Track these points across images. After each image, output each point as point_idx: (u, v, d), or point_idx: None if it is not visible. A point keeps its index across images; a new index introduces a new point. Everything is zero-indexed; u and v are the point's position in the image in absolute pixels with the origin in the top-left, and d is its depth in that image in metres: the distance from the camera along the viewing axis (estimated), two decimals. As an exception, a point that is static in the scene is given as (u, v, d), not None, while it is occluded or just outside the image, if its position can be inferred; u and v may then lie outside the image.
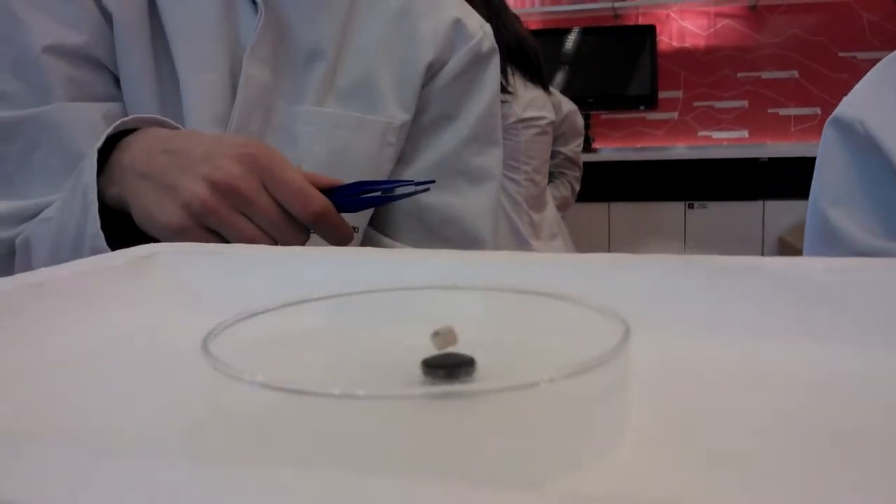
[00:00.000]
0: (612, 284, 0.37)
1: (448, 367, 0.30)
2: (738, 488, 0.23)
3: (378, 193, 0.66)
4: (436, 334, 0.32)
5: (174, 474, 0.17)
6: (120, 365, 0.35)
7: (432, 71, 0.87)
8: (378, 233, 0.90)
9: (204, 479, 0.17)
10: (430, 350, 0.32)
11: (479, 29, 0.90)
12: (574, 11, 4.16)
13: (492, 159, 0.92)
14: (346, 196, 0.63)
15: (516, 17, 2.23)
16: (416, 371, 0.31)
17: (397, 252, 0.46)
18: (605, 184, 3.74)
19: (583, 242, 2.90)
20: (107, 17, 0.76)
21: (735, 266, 0.38)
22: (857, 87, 0.79)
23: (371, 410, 0.24)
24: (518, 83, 2.19)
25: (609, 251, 3.70)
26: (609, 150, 4.08)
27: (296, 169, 0.61)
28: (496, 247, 0.96)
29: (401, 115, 0.85)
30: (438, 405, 0.27)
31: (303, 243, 0.61)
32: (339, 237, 0.63)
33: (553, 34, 4.08)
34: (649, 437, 0.26)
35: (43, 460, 0.18)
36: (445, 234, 0.89)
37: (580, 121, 2.59)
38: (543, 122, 2.27)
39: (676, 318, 0.35)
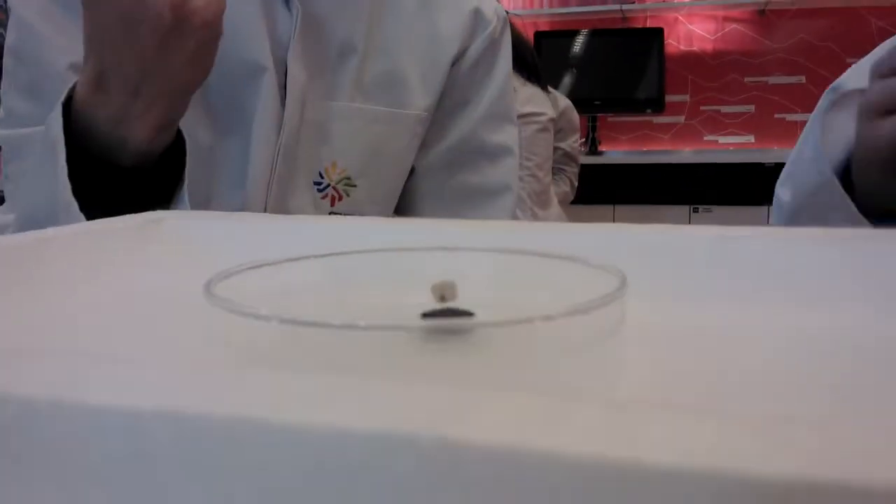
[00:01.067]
0: (617, 248, 0.37)
1: (447, 318, 0.31)
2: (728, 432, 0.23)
3: None
4: (435, 287, 0.32)
5: (168, 377, 0.18)
6: (127, 313, 0.36)
7: (455, 60, 0.88)
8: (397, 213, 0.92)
9: (197, 382, 0.17)
10: (431, 305, 0.33)
11: (494, 13, 0.91)
12: (582, 13, 4.17)
13: (508, 136, 0.93)
14: None
15: None
16: (416, 321, 0.31)
17: (405, 220, 0.46)
18: (611, 186, 3.74)
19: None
20: None
21: (738, 235, 0.38)
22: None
23: (371, 343, 0.24)
24: (516, 81, 2.20)
25: (613, 253, 3.72)
26: (615, 153, 4.08)
27: None
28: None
29: (427, 105, 0.87)
30: (437, 347, 0.27)
31: None
32: None
33: (561, 36, 4.08)
34: (639, 382, 0.26)
35: (50, 365, 0.19)
36: (470, 208, 0.91)
37: (576, 117, 2.60)
38: (544, 119, 2.28)
39: (678, 281, 0.35)
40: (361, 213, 0.84)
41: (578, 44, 4.05)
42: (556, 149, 2.48)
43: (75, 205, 0.57)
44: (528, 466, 0.15)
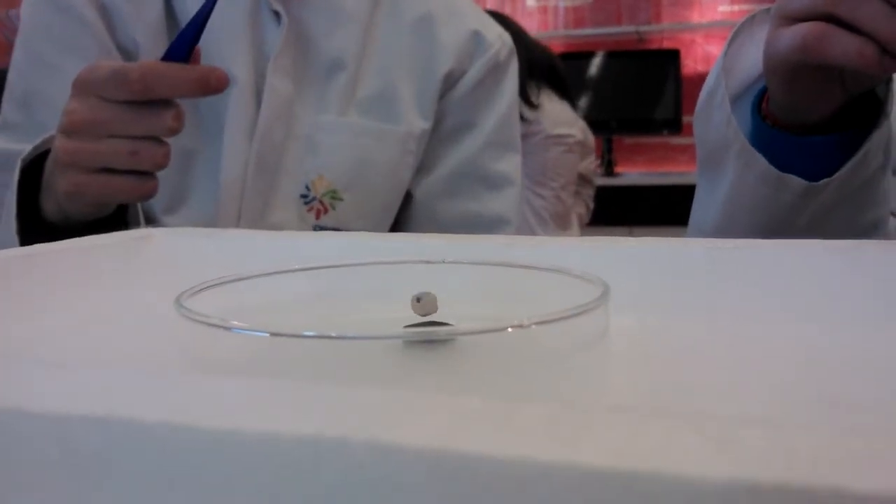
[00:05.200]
0: (604, 262, 0.36)
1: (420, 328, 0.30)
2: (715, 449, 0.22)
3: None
4: (416, 300, 0.32)
5: (139, 382, 0.17)
6: (108, 332, 0.35)
7: (451, 80, 0.88)
8: None
9: (165, 386, 0.17)
10: (413, 319, 0.32)
11: (498, 38, 0.91)
12: (598, 35, 4.17)
13: (511, 165, 0.92)
14: (171, 50, 0.58)
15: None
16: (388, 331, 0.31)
17: (394, 235, 0.46)
18: (628, 208, 3.72)
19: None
20: (124, 50, 0.79)
21: (729, 247, 0.37)
22: None
23: (349, 355, 0.24)
24: (544, 98, 2.20)
25: (631, 275, 3.69)
26: (631, 175, 4.07)
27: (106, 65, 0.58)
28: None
29: (421, 124, 0.86)
30: (416, 358, 0.27)
31: (178, 119, 0.58)
32: (204, 84, 0.58)
33: (577, 57, 4.09)
34: (621, 394, 0.26)
35: (30, 376, 0.18)
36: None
37: (592, 138, 2.59)
38: (571, 141, 2.28)
39: (664, 293, 0.34)
40: (348, 228, 0.84)
41: (594, 65, 4.05)
42: None
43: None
44: (458, 468, 0.14)
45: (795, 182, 0.56)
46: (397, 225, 0.91)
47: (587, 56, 4.07)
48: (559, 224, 2.30)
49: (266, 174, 0.81)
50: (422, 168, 0.89)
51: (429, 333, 0.23)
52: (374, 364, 0.28)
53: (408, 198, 0.90)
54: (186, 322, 0.26)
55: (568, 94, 2.35)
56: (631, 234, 3.11)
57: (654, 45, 4.20)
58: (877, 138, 0.55)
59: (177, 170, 0.79)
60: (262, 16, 0.81)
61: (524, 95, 2.18)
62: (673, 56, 4.00)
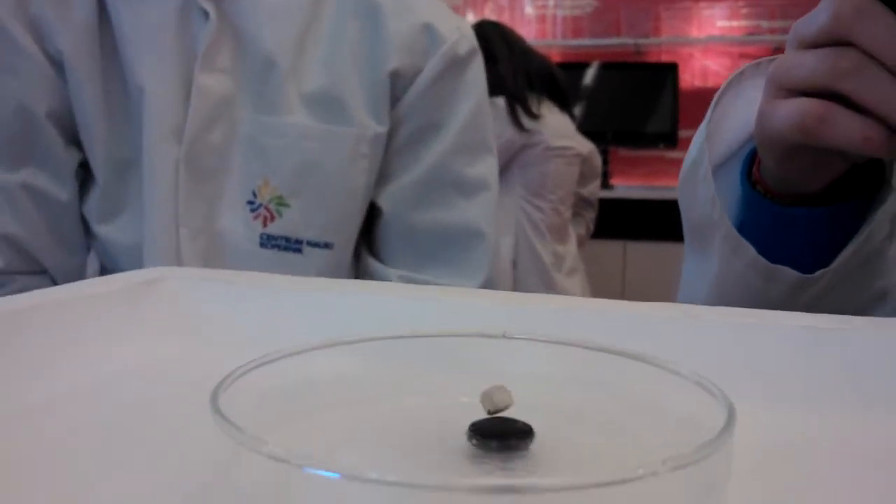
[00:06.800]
0: (689, 344, 0.31)
1: (501, 438, 0.25)
2: None
3: None
4: (486, 396, 0.27)
5: None
6: (117, 412, 0.30)
7: (402, 80, 0.82)
8: (372, 258, 0.85)
9: None
10: (477, 409, 0.27)
11: (455, 31, 0.83)
12: (595, 46, 4.14)
13: (486, 167, 0.86)
14: None
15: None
16: (462, 438, 0.26)
17: (429, 288, 0.41)
18: (622, 222, 3.68)
19: (597, 280, 2.84)
20: (54, 61, 0.78)
21: (823, 326, 0.33)
22: None
23: (413, 462, 0.19)
24: (545, 110, 2.17)
25: (624, 290, 3.65)
26: (626, 188, 4.03)
27: None
28: (513, 273, 0.92)
29: (373, 126, 0.81)
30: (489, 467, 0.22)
31: None
32: None
33: (573, 68, 4.05)
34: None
35: None
36: (444, 255, 0.84)
37: (599, 162, 2.56)
38: (571, 153, 2.25)
39: (768, 386, 0.29)
40: (298, 238, 0.80)
41: (591, 76, 4.02)
42: (575, 193, 2.43)
43: None
44: None
45: (788, 274, 0.50)
46: (367, 241, 0.86)
47: (583, 66, 4.04)
48: (556, 237, 2.27)
49: (207, 178, 0.78)
50: (385, 177, 0.84)
51: (533, 486, 0.18)
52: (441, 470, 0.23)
53: (377, 211, 0.85)
54: (214, 426, 0.22)
55: (568, 106, 2.32)
56: (625, 248, 3.11)
57: (653, 58, 4.18)
58: (881, 213, 0.49)
59: (114, 181, 0.79)
60: (192, 14, 0.78)
61: (524, 105, 2.15)
62: (671, 69, 3.97)
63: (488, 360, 0.30)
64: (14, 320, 0.32)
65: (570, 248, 2.31)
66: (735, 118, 0.56)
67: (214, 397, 0.23)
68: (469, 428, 0.26)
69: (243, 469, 0.20)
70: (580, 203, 2.53)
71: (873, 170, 0.51)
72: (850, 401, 0.30)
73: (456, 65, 0.83)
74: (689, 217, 0.58)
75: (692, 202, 0.56)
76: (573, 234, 2.38)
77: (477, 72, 0.86)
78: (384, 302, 0.37)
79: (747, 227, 0.53)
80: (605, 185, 3.99)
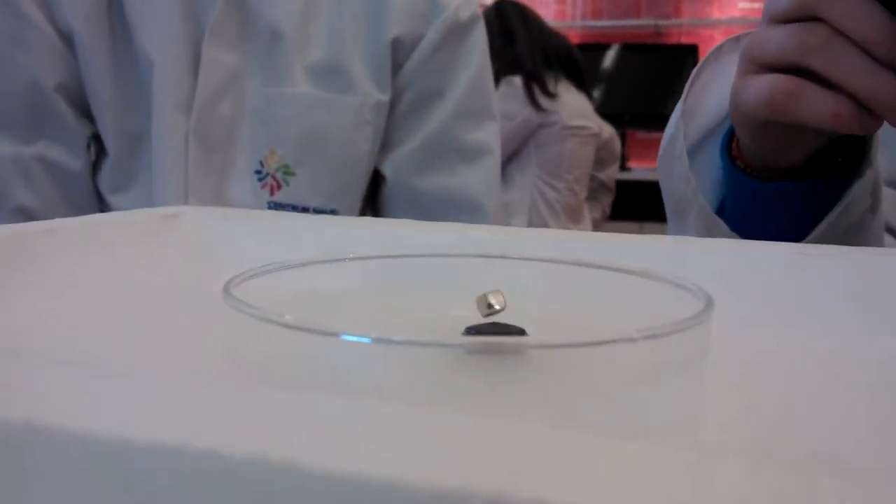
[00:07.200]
0: (684, 264, 0.33)
1: (495, 336, 0.27)
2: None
3: None
4: (482, 298, 0.29)
5: (172, 394, 0.14)
6: (138, 308, 0.32)
7: (404, 47, 0.83)
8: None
9: (199, 399, 0.14)
10: (475, 318, 0.29)
11: None
12: (615, 27, 4.13)
13: (487, 133, 0.87)
14: None
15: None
16: (459, 339, 0.27)
17: (435, 224, 0.42)
18: (638, 203, 3.68)
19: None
20: (63, 34, 0.80)
21: (816, 253, 0.34)
22: None
23: (408, 360, 0.21)
24: (562, 89, 2.17)
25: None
26: (643, 170, 4.03)
27: None
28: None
29: (375, 94, 0.82)
30: (483, 367, 0.24)
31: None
32: None
33: (592, 49, 4.04)
34: (717, 423, 0.23)
35: (44, 379, 0.15)
36: (445, 219, 0.85)
37: (618, 147, 2.56)
38: (587, 133, 2.25)
39: (757, 301, 0.31)
40: (304, 205, 0.81)
41: (610, 58, 4.01)
42: (594, 177, 2.44)
43: None
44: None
45: None
46: (371, 208, 0.88)
47: (603, 48, 4.03)
48: (570, 217, 2.27)
49: (216, 150, 0.80)
50: (388, 144, 0.86)
51: (516, 343, 0.20)
52: (436, 370, 0.25)
53: (381, 178, 0.87)
54: (230, 313, 0.23)
55: (585, 85, 2.32)
56: (641, 230, 3.10)
57: (672, 40, 4.16)
58: (859, 187, 0.48)
59: (125, 153, 0.81)
60: None
61: (541, 84, 2.15)
62: (691, 51, 3.95)
63: (487, 280, 0.32)
64: (48, 240, 0.35)
65: (584, 229, 2.31)
66: (714, 94, 0.56)
67: (227, 286, 0.25)
68: (465, 330, 0.27)
69: (258, 343, 0.22)
70: (598, 187, 2.53)
71: (858, 144, 0.50)
72: (842, 319, 0.31)
73: (457, 31, 0.84)
74: (668, 193, 0.58)
75: (669, 179, 0.56)
76: (588, 215, 2.39)
77: (479, 37, 0.87)
78: (396, 232, 0.39)
79: (729, 202, 0.53)
80: (623, 167, 3.99)
